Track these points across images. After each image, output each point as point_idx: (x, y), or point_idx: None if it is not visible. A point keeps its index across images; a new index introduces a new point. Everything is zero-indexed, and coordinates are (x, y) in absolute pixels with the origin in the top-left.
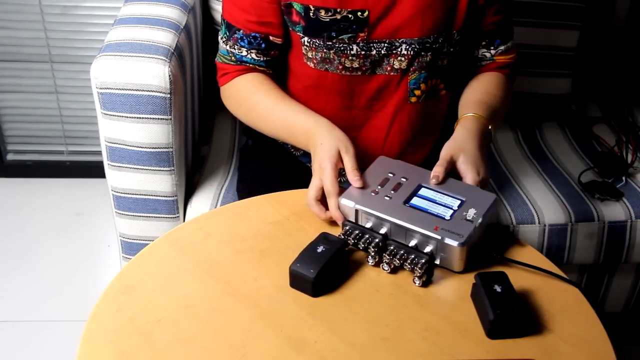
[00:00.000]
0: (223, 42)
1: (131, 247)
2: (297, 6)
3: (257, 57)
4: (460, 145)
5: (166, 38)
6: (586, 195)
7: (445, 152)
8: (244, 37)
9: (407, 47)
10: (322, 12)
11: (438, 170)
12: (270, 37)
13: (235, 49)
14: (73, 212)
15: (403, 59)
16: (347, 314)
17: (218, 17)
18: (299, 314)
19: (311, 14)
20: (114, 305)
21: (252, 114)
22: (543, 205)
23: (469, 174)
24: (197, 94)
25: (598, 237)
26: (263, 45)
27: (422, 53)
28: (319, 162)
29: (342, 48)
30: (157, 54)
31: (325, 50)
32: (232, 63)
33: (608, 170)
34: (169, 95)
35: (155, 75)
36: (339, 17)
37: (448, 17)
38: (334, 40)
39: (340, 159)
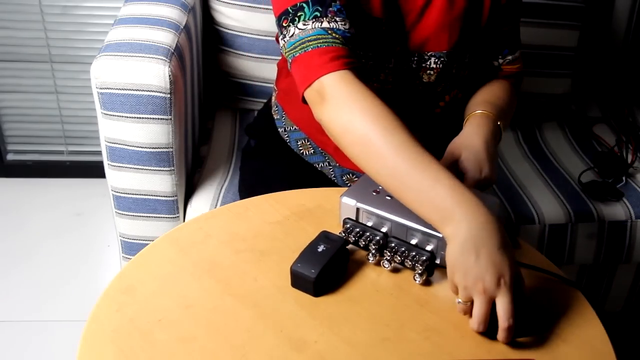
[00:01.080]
0: (314, 22)
1: (131, 247)
2: None
3: (355, 33)
4: (464, 142)
5: (166, 38)
6: (586, 195)
7: (449, 150)
8: (342, 9)
9: (436, 60)
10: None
11: None
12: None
13: (338, 24)
14: (73, 212)
15: (432, 72)
16: (347, 314)
17: (218, 17)
18: (299, 314)
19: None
20: (114, 305)
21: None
22: (543, 205)
23: (469, 171)
24: (197, 94)
25: (598, 237)
26: (353, 22)
27: (449, 65)
28: (499, 275)
29: (380, 60)
30: (157, 54)
31: (363, 60)
32: (337, 44)
33: (608, 170)
34: (169, 95)
35: (155, 75)
36: (384, 28)
37: (472, 26)
38: (371, 53)
39: None
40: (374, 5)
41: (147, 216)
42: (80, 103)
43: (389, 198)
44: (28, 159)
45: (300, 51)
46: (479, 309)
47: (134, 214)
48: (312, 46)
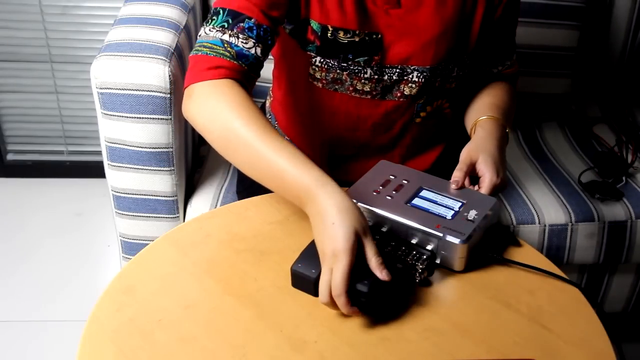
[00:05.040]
0: (217, 31)
1: (131, 247)
2: (314, 24)
3: (260, 55)
4: (479, 146)
5: (166, 38)
6: (586, 195)
7: (465, 154)
8: (254, 28)
9: (419, 74)
10: (341, 34)
11: (457, 175)
12: (275, 36)
13: (238, 40)
14: (73, 212)
15: (414, 85)
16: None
17: None
18: (299, 314)
19: (329, 35)
20: (114, 305)
21: (237, 136)
22: (543, 205)
23: (487, 173)
24: None
25: (598, 237)
26: (269, 42)
27: (432, 79)
28: (333, 250)
29: (356, 70)
30: (157, 54)
31: (338, 71)
32: (226, 57)
33: (608, 170)
34: (169, 95)
35: (155, 75)
36: (357, 39)
37: (461, 43)
38: (350, 62)
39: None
40: (347, 14)
41: (147, 216)
42: (80, 103)
43: (389, 198)
44: (28, 159)
45: (195, 51)
46: (321, 279)
47: (134, 214)
48: (203, 51)
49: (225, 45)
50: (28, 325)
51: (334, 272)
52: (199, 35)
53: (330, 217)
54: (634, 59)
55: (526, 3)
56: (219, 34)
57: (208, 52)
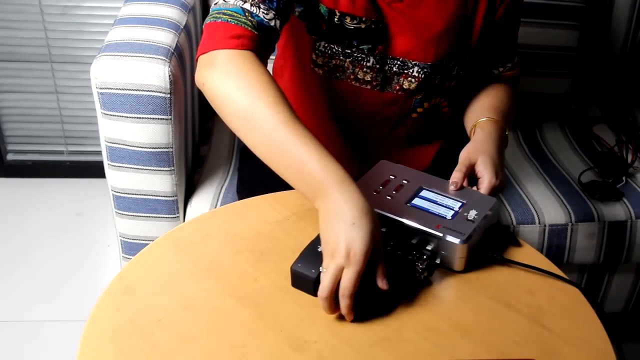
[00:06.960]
0: None
1: (131, 247)
2: (322, 8)
3: (278, 28)
4: (479, 147)
5: (166, 38)
6: (586, 195)
7: (464, 155)
8: (274, 0)
9: (419, 70)
10: (348, 19)
11: (456, 176)
12: (290, 12)
13: (259, 10)
14: (73, 212)
15: (413, 80)
16: None
17: None
18: (299, 314)
19: (335, 20)
20: (114, 305)
21: (258, 116)
22: (543, 205)
23: (486, 174)
24: (197, 94)
25: (598, 237)
26: (286, 17)
27: (432, 76)
28: (348, 249)
29: (359, 58)
30: (157, 54)
31: (341, 57)
32: (248, 26)
33: (608, 170)
34: (169, 95)
35: (155, 75)
36: (363, 26)
37: (462, 41)
38: (353, 49)
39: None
40: (356, 1)
41: (147, 216)
42: (80, 103)
43: (389, 198)
44: (28, 159)
45: (212, 19)
46: (325, 275)
47: (134, 214)
48: (223, 19)
49: (247, 14)
50: (28, 325)
51: (345, 273)
52: (215, 4)
53: (350, 217)
54: (634, 59)
55: (526, 3)
56: (240, 2)
57: (229, 20)
